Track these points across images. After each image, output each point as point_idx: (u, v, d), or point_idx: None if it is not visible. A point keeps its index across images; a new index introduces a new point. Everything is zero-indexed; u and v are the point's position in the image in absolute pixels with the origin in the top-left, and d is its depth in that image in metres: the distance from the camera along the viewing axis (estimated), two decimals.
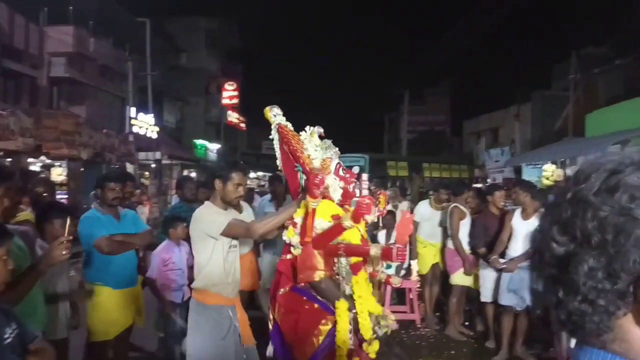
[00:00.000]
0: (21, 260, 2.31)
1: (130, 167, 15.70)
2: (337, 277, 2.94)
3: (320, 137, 3.10)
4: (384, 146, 34.18)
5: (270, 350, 3.15)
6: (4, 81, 14.61)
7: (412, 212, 6.08)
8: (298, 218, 2.95)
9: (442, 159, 22.78)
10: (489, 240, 5.22)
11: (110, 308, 3.46)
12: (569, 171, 14.18)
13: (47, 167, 13.32)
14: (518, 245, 4.85)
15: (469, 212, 5.75)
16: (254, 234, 2.99)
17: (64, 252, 2.22)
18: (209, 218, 2.97)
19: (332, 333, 2.91)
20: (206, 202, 3.12)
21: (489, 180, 20.69)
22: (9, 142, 10.29)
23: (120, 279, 3.53)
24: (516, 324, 4.92)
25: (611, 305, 0.64)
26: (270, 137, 3.22)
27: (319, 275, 2.85)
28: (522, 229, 4.83)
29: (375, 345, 2.90)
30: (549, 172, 14.85)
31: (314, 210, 2.80)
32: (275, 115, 3.18)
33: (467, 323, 5.97)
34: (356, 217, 2.75)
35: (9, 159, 10.79)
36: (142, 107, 17.91)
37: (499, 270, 4.97)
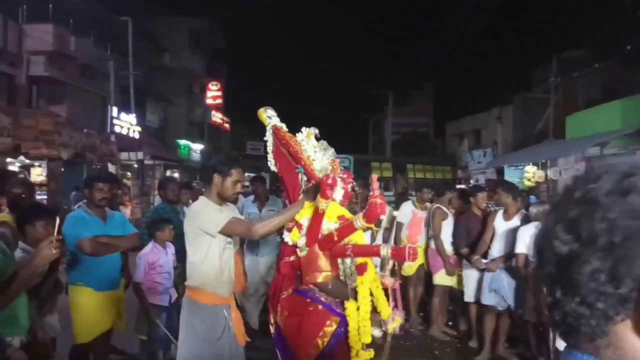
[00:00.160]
0: (5, 264, 2.27)
1: (112, 168, 15.50)
2: (343, 277, 2.94)
3: (316, 138, 3.08)
4: (368, 147, 34.32)
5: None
6: None
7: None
8: (303, 220, 2.91)
9: (426, 160, 22.95)
10: (471, 241, 5.27)
11: (90, 310, 3.40)
12: (550, 172, 14.41)
13: (26, 168, 13.08)
14: (500, 246, 4.91)
15: (452, 213, 5.80)
16: (255, 235, 2.88)
17: (54, 251, 2.19)
18: (207, 215, 2.87)
19: (336, 334, 2.91)
20: (201, 198, 3.02)
21: (471, 181, 20.93)
22: None
23: (103, 282, 3.47)
24: (498, 323, 4.97)
25: (610, 310, 0.62)
26: (265, 138, 3.17)
27: (325, 276, 2.83)
28: (503, 230, 4.89)
29: (371, 353, 2.90)
30: (530, 174, 15.07)
31: (323, 211, 2.76)
32: (270, 117, 3.14)
33: (450, 323, 6.02)
34: (371, 218, 2.70)
35: None
36: (124, 107, 17.68)
37: (481, 271, 5.02)
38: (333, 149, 3.10)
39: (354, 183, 3.28)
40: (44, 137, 12.02)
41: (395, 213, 6.01)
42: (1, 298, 2.01)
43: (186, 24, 25.40)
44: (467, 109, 25.18)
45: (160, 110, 23.98)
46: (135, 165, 18.10)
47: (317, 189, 2.81)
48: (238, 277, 4.53)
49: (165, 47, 24.13)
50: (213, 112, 27.59)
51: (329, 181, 2.65)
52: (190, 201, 6.08)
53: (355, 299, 2.90)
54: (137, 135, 17.81)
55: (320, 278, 2.83)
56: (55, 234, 2.30)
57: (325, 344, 2.89)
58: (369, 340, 2.89)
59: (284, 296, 2.97)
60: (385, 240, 5.66)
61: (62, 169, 13.31)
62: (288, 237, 2.96)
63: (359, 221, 2.73)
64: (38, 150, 11.84)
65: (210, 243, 2.85)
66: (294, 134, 3.12)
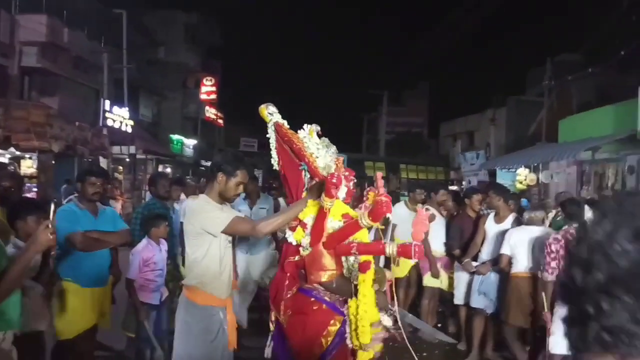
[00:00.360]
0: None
1: (103, 161, 15.39)
2: (347, 275, 2.92)
3: (318, 136, 3.03)
4: (362, 146, 34.35)
5: (268, 351, 3.09)
6: None
7: None
8: (307, 218, 2.86)
9: (419, 160, 23.05)
10: (464, 243, 5.27)
11: (75, 306, 3.35)
12: (541, 176, 14.49)
13: (16, 159, 12.95)
14: (490, 249, 4.91)
15: (445, 214, 5.80)
16: (259, 233, 2.85)
17: (50, 237, 2.17)
18: (209, 214, 2.82)
19: (340, 333, 2.89)
20: (202, 196, 2.97)
21: (464, 183, 21.04)
22: None
23: (90, 278, 3.43)
24: (487, 326, 4.98)
25: None
26: (267, 135, 3.13)
27: (330, 275, 2.80)
28: (494, 233, 4.89)
29: (370, 354, 2.89)
30: (522, 176, 15.15)
31: (327, 210, 2.72)
32: (271, 113, 3.09)
33: (440, 325, 6.03)
34: (376, 216, 2.67)
35: None
36: (117, 101, 17.55)
37: (472, 273, 5.03)
38: (335, 147, 3.07)
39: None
40: (35, 129, 11.91)
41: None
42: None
43: (182, 19, 25.27)
44: (461, 110, 25.31)
45: (154, 105, 23.84)
46: (127, 160, 17.99)
47: (321, 187, 2.77)
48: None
49: (160, 41, 23.98)
50: (207, 108, 27.48)
51: (334, 180, 2.61)
52: (184, 196, 6.05)
53: (357, 296, 2.88)
54: (129, 129, 17.70)
55: (325, 277, 2.80)
56: (51, 218, 2.28)
57: (329, 343, 2.87)
58: (367, 340, 2.87)
59: (288, 295, 2.93)
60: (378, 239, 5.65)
61: (53, 162, 13.20)
62: (292, 237, 2.90)
63: (364, 219, 2.70)
64: (29, 142, 11.73)
65: (210, 242, 2.81)
66: (295, 131, 3.09)
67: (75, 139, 13.35)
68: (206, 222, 2.79)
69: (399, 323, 3.11)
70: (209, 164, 26.33)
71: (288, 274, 2.94)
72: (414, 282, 6.02)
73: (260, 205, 5.40)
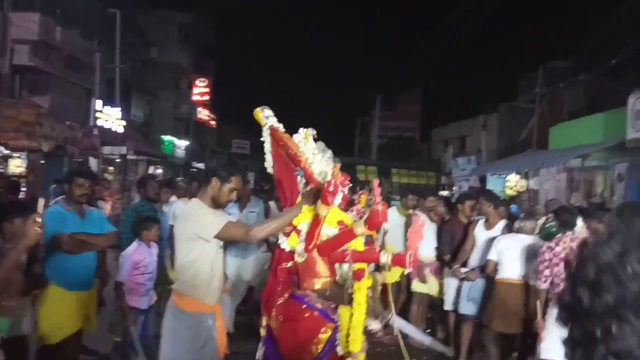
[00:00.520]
0: None
1: (93, 162, 15.27)
2: (343, 282, 2.92)
3: (314, 140, 3.02)
4: (354, 150, 34.39)
5: (259, 354, 3.06)
6: None
7: None
8: (302, 225, 2.85)
9: (411, 165, 23.09)
10: (455, 248, 5.27)
11: (59, 310, 3.30)
12: (532, 182, 14.59)
13: (5, 158, 12.82)
14: (480, 255, 4.92)
15: (437, 219, 5.80)
16: (253, 238, 2.83)
17: (39, 230, 2.18)
18: (202, 219, 2.77)
19: (331, 341, 2.89)
20: (194, 200, 2.94)
21: (454, 188, 21.12)
22: None
23: (75, 281, 3.37)
24: (475, 333, 4.99)
25: None
26: (262, 139, 3.11)
27: (323, 282, 2.80)
28: (484, 239, 4.91)
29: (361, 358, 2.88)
30: (513, 182, 15.24)
31: (323, 217, 2.71)
32: (267, 117, 3.07)
33: (428, 330, 6.03)
34: (373, 225, 2.68)
35: None
36: (109, 100, 17.44)
37: (461, 280, 5.03)
38: (331, 151, 3.06)
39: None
40: (25, 128, 11.80)
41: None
42: None
43: (176, 19, 25.19)
44: (453, 115, 25.41)
45: (146, 105, 23.72)
46: (118, 160, 17.87)
47: (316, 193, 2.77)
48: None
49: (153, 41, 23.89)
50: (199, 109, 27.39)
51: (331, 188, 2.60)
52: (175, 198, 6.01)
53: (350, 304, 2.87)
54: (121, 129, 17.59)
55: (318, 284, 2.80)
56: (40, 210, 2.29)
57: (319, 351, 2.87)
58: (358, 348, 2.86)
59: (279, 302, 2.92)
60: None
61: (43, 161, 13.07)
62: (285, 243, 2.89)
63: (360, 228, 2.71)
64: (18, 142, 11.62)
65: (202, 248, 2.77)
66: (290, 135, 3.07)
67: (66, 138, 13.25)
68: (198, 227, 2.75)
69: (395, 329, 3.11)
70: (200, 165, 26.35)
71: (280, 280, 2.93)
72: (403, 287, 6.02)
73: (250, 208, 5.37)
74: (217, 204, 2.87)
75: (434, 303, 5.87)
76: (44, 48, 15.42)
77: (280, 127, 3.05)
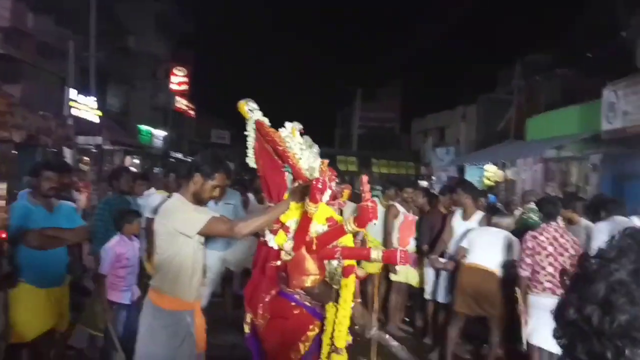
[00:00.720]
0: None
1: (68, 152, 14.92)
2: (328, 280, 2.89)
3: (300, 134, 2.96)
4: (334, 141, 34.38)
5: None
6: None
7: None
8: (290, 222, 2.80)
9: (391, 155, 23.20)
10: (434, 239, 5.32)
11: (30, 308, 3.17)
12: (509, 172, 14.82)
13: None
14: (457, 246, 4.98)
15: (417, 210, 5.83)
16: (238, 234, 2.71)
17: (5, 215, 2.08)
18: (185, 215, 2.68)
19: (317, 338, 2.87)
20: (176, 195, 2.83)
21: (433, 178, 21.32)
22: None
23: (46, 277, 3.26)
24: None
25: None
26: (245, 132, 3.02)
27: (313, 280, 2.75)
28: (461, 230, 4.96)
29: (344, 357, 2.87)
30: (490, 173, 15.47)
31: (311, 215, 2.67)
32: (252, 110, 2.97)
33: (407, 319, 6.10)
34: (362, 222, 2.64)
35: None
36: (83, 89, 17.03)
37: (439, 269, 5.09)
38: (317, 146, 3.01)
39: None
40: None
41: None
42: None
43: (153, 7, 24.67)
44: (433, 106, 25.54)
45: (122, 94, 23.25)
46: (94, 150, 17.51)
47: (304, 189, 2.72)
48: None
49: (130, 29, 23.36)
50: (177, 98, 27.00)
51: (320, 185, 2.55)
52: (154, 190, 5.89)
53: (337, 301, 2.85)
54: (96, 119, 17.22)
55: (308, 282, 2.75)
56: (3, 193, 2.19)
57: (307, 349, 2.85)
58: (342, 345, 2.85)
59: (267, 299, 2.87)
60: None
61: (15, 152, 12.71)
62: (273, 241, 2.83)
63: (350, 225, 2.68)
64: None
65: (183, 244, 2.68)
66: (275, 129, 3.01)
67: (39, 128, 12.90)
68: (180, 223, 2.67)
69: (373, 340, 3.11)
70: (179, 155, 26.03)
71: (267, 277, 2.89)
72: (383, 277, 6.06)
73: (225, 200, 5.27)
74: (199, 201, 2.79)
75: (413, 292, 5.93)
76: (16, 35, 14.96)
77: (266, 121, 2.98)
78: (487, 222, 4.86)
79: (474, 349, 5.17)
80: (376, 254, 2.80)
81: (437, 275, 5.20)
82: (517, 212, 5.82)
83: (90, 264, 4.44)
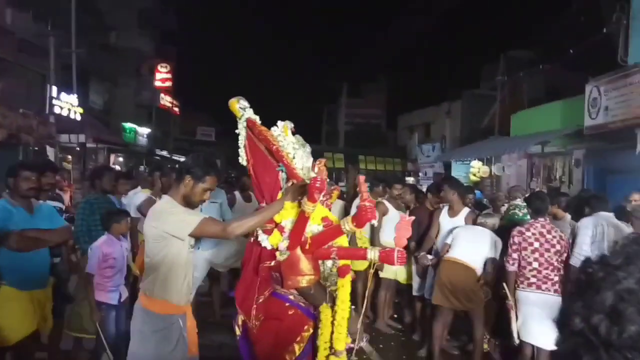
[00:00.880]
0: None
1: (50, 151, 14.68)
2: (324, 281, 2.87)
3: (292, 133, 2.93)
4: (321, 137, 34.35)
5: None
6: None
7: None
8: (285, 222, 2.77)
9: (377, 151, 23.24)
10: (421, 236, 5.34)
11: (13, 311, 3.10)
12: (494, 168, 14.94)
13: None
14: (444, 242, 5.00)
15: (403, 206, 5.84)
16: (231, 235, 2.66)
17: None
18: (176, 217, 2.62)
19: (312, 339, 2.85)
20: (165, 197, 2.77)
21: (420, 174, 21.43)
22: None
23: (29, 280, 3.19)
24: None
25: None
26: (237, 131, 2.98)
27: (308, 280, 2.73)
28: (448, 227, 4.98)
29: (343, 358, 2.86)
30: (476, 169, 15.58)
31: (308, 214, 2.65)
32: (243, 108, 2.92)
33: (395, 316, 6.11)
34: (360, 222, 2.63)
35: None
36: (65, 87, 16.73)
37: (426, 266, 5.10)
38: (309, 146, 2.98)
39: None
40: None
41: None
42: None
43: (135, 2, 24.31)
44: (419, 102, 25.62)
45: (105, 92, 22.90)
46: (77, 149, 17.25)
47: (298, 189, 2.71)
48: None
49: (112, 25, 23.01)
50: (162, 95, 26.69)
51: (318, 184, 2.53)
52: (139, 189, 5.80)
53: (331, 302, 2.84)
54: (78, 117, 16.93)
55: (303, 282, 2.73)
56: None
57: (302, 350, 2.83)
58: (342, 347, 2.84)
59: (260, 300, 2.84)
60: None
61: None
62: (267, 241, 2.79)
63: (347, 225, 2.67)
64: None
65: (173, 247, 2.63)
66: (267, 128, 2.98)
67: (19, 127, 12.63)
68: (171, 226, 2.61)
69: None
70: (164, 153, 25.75)
71: (260, 278, 2.85)
72: (371, 275, 6.05)
73: (211, 199, 5.21)
74: (189, 203, 2.73)
75: (401, 289, 5.95)
76: None
77: (257, 119, 2.94)
78: (473, 218, 4.89)
79: (463, 346, 5.20)
80: (372, 254, 2.78)
81: (425, 272, 5.22)
82: (503, 208, 5.86)
83: (73, 267, 4.36)
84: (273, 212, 2.73)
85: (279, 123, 2.92)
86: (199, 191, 2.72)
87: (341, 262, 2.87)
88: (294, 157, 2.85)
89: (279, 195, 2.84)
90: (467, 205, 5.22)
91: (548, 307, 4.06)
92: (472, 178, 15.60)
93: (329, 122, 34.57)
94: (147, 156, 24.28)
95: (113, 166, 19.07)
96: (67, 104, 16.42)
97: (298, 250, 2.75)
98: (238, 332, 2.98)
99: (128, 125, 23.13)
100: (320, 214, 2.85)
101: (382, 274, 5.67)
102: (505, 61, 17.53)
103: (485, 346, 4.79)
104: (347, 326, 2.84)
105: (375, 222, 2.72)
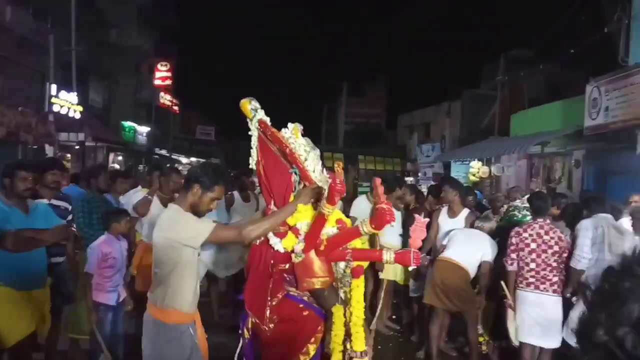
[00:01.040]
0: None
1: (49, 149, 14.66)
2: (338, 283, 2.89)
3: (302, 135, 2.94)
4: (321, 137, 34.30)
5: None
6: None
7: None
8: (300, 224, 2.77)
9: (377, 151, 23.21)
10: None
11: (10, 312, 3.07)
12: (493, 168, 14.92)
13: None
14: (443, 243, 4.98)
15: (401, 207, 5.82)
16: (246, 239, 2.66)
17: None
18: (189, 226, 2.59)
19: (323, 340, 2.88)
20: (173, 206, 2.73)
21: (419, 174, 21.40)
22: None
23: (26, 280, 3.16)
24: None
25: None
26: (250, 133, 2.97)
27: (323, 282, 2.75)
28: (447, 227, 4.96)
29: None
30: (475, 169, 15.56)
31: (326, 217, 2.67)
32: (255, 109, 2.91)
33: (394, 317, 6.09)
34: (380, 224, 2.65)
35: None
36: (65, 85, 16.68)
37: (425, 267, 5.08)
38: (318, 149, 2.98)
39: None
40: None
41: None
42: None
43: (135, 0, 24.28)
44: (419, 102, 25.60)
45: (104, 90, 22.86)
46: (76, 147, 17.22)
47: (311, 192, 2.74)
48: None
49: (112, 23, 22.97)
50: (161, 94, 26.65)
51: (339, 187, 2.55)
52: (139, 187, 5.77)
53: (342, 303, 2.85)
54: (78, 115, 16.90)
55: (318, 284, 2.75)
56: None
57: (315, 351, 2.84)
58: (362, 347, 2.85)
59: (274, 302, 2.83)
60: None
61: None
62: (280, 244, 2.79)
63: (366, 227, 2.68)
64: None
65: (184, 255, 2.60)
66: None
67: (18, 125, 12.60)
68: (185, 235, 2.58)
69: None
70: (163, 152, 25.70)
71: (274, 280, 2.85)
72: (370, 276, 6.04)
73: None
74: (196, 212, 2.70)
75: (398, 289, 5.93)
76: None
77: (268, 120, 2.92)
78: (473, 219, 4.89)
79: (461, 347, 5.18)
80: (388, 255, 2.82)
81: (418, 273, 5.20)
82: (502, 209, 5.85)
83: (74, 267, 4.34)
84: (286, 215, 2.74)
85: (289, 125, 2.92)
86: (207, 200, 2.70)
87: (355, 263, 2.89)
88: (305, 160, 2.85)
89: (291, 198, 2.84)
90: (468, 206, 5.21)
91: (546, 307, 4.06)
92: (472, 178, 15.59)
93: (328, 121, 34.51)
94: (146, 155, 24.25)
95: (112, 165, 19.06)
96: (66, 102, 16.40)
97: (312, 253, 2.76)
98: (247, 335, 2.97)
99: (127, 123, 23.10)
100: (334, 216, 2.87)
101: (381, 275, 5.65)
102: (506, 61, 17.50)
103: (484, 348, 4.77)
104: (363, 326, 2.88)
105: (393, 223, 2.75)
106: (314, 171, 2.86)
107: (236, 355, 3.05)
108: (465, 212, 5.00)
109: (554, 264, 4.14)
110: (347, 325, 2.86)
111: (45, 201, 3.73)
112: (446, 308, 4.65)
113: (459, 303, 4.53)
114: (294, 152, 2.82)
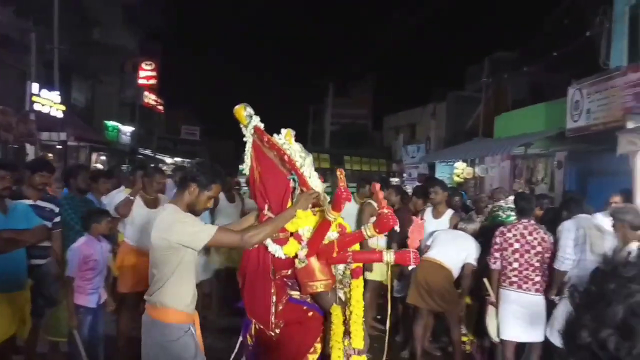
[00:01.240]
0: None
1: (30, 149, 14.42)
2: (338, 284, 2.95)
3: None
4: (307, 137, 34.30)
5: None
6: None
7: None
8: (302, 230, 2.80)
9: (363, 152, 23.26)
10: (404, 237, 5.34)
11: None
12: (477, 169, 15.07)
13: None
14: (427, 243, 5.01)
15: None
16: (247, 245, 2.66)
17: None
18: (189, 228, 2.57)
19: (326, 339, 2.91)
20: (170, 206, 2.70)
21: (404, 175, 21.52)
22: None
23: (5, 282, 3.10)
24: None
25: None
26: (245, 139, 2.96)
27: (326, 285, 2.79)
28: (432, 228, 4.99)
29: (363, 358, 2.89)
30: (460, 170, 15.71)
31: (330, 223, 2.71)
32: (250, 115, 2.90)
33: (379, 317, 6.11)
34: (383, 229, 2.73)
35: None
36: (47, 84, 16.44)
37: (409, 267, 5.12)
38: (311, 156, 2.99)
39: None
40: None
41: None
42: None
43: None
44: (405, 103, 25.76)
45: (88, 89, 22.57)
46: (58, 147, 16.97)
47: (309, 198, 2.78)
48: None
49: (96, 22, 22.68)
50: (146, 93, 26.41)
51: (344, 195, 2.60)
52: (122, 187, 5.69)
53: (340, 303, 2.90)
54: (60, 115, 16.65)
55: (321, 287, 2.79)
56: None
57: (321, 350, 2.88)
58: (361, 345, 2.88)
59: (280, 307, 2.85)
60: None
61: None
62: (280, 251, 2.79)
63: (369, 231, 2.75)
64: None
65: (184, 256, 2.58)
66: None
67: None
68: (185, 237, 2.56)
69: None
70: (147, 152, 25.45)
71: (274, 285, 2.87)
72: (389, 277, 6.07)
73: None
74: (193, 211, 2.69)
75: (384, 290, 5.95)
76: None
77: (262, 126, 2.91)
78: (457, 220, 4.93)
79: (446, 347, 5.21)
80: (388, 256, 2.88)
81: (401, 273, 5.23)
82: (486, 209, 5.90)
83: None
84: (286, 221, 2.76)
85: (282, 130, 2.92)
86: (204, 199, 2.70)
87: (354, 265, 2.95)
88: (302, 166, 2.86)
89: (289, 204, 2.85)
90: (454, 207, 5.26)
91: (528, 306, 4.11)
92: (456, 179, 15.73)
93: (314, 122, 34.52)
94: (130, 155, 24.00)
95: (95, 165, 18.82)
96: (48, 101, 16.15)
97: (313, 258, 2.80)
98: (250, 341, 2.97)
99: (111, 123, 22.83)
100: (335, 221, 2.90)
101: (368, 276, 5.66)
102: (490, 63, 17.69)
103: (468, 347, 4.82)
104: (362, 324, 2.92)
105: (397, 227, 2.79)
106: (310, 177, 2.87)
107: (232, 358, 3.05)
108: (450, 212, 5.04)
109: (537, 264, 4.19)
110: (345, 323, 2.90)
111: (30, 202, 3.67)
112: (430, 308, 4.68)
113: (442, 303, 4.56)
114: (291, 159, 2.84)
